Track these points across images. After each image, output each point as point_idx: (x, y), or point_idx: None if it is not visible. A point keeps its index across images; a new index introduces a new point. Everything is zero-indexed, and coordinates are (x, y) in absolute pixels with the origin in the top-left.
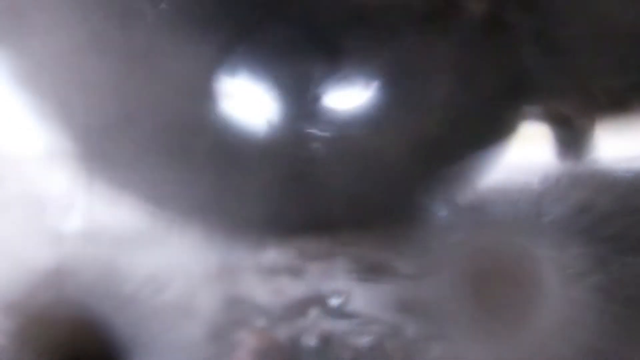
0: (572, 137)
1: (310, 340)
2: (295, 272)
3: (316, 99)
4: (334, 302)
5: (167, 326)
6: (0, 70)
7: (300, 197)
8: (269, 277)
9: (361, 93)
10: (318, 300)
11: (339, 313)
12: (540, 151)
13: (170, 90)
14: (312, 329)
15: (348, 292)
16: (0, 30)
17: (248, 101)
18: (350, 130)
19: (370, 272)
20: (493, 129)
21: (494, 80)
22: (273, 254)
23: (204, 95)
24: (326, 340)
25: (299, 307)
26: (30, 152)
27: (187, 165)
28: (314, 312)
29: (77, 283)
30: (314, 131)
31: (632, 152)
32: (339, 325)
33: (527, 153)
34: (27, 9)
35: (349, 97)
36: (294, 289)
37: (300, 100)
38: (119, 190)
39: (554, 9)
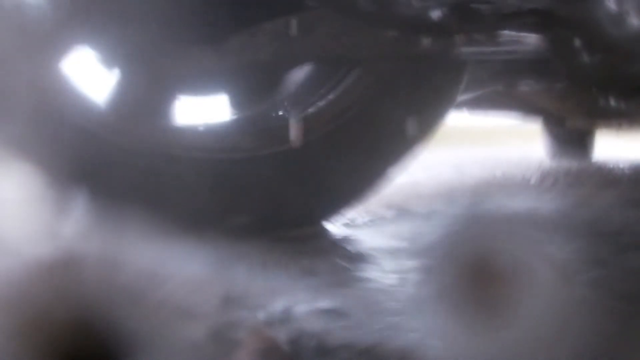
0: (571, 135)
1: (310, 340)
2: (295, 271)
3: None
4: (333, 302)
5: (167, 326)
6: None
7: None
8: (269, 277)
9: None
10: (318, 300)
11: (338, 313)
12: (540, 149)
13: None
14: (311, 329)
15: (347, 293)
16: None
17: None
18: None
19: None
20: None
21: None
22: (273, 253)
23: None
24: (326, 340)
25: (299, 307)
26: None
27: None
28: (313, 312)
29: (77, 282)
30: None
31: (632, 151)
32: (338, 326)
33: (527, 150)
34: None
35: None
36: (293, 289)
37: None
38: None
39: None
